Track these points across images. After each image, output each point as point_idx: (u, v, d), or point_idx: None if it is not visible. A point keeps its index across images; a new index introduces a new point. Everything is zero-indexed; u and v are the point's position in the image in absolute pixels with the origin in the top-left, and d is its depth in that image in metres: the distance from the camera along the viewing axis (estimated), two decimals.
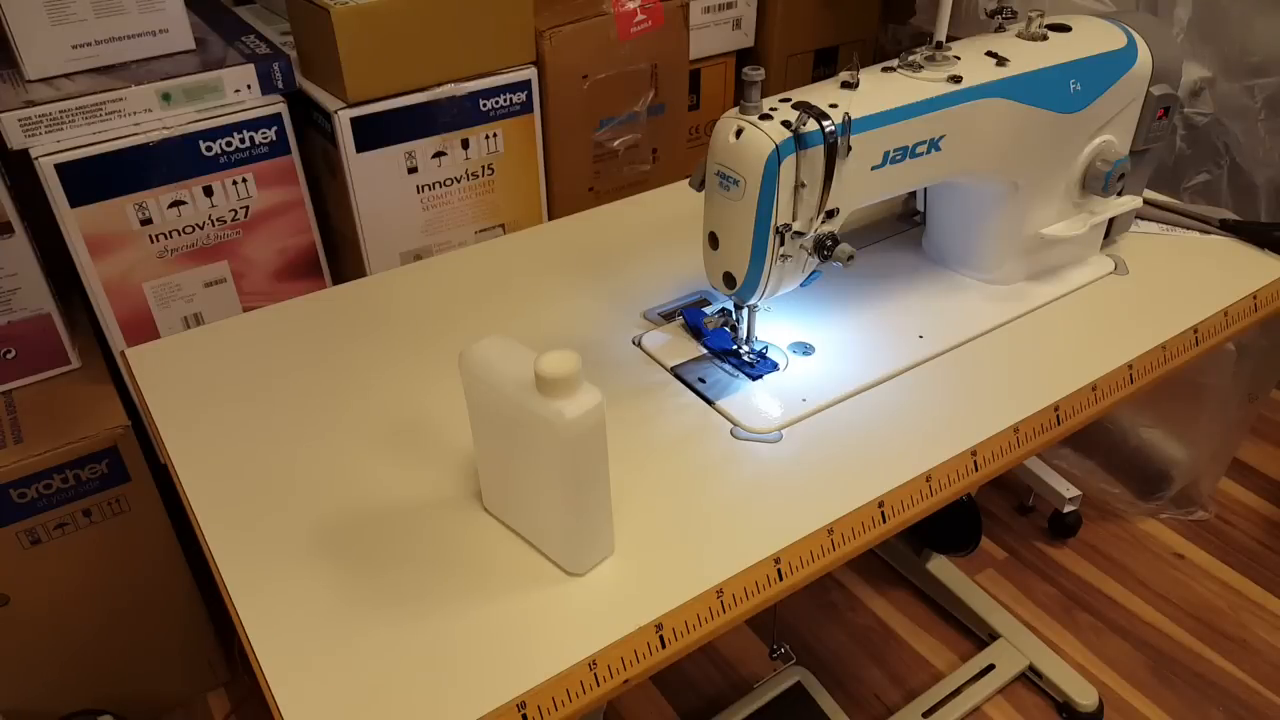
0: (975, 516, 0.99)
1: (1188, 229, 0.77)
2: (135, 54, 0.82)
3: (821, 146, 0.53)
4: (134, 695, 0.94)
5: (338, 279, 0.97)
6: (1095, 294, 0.68)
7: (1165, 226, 0.77)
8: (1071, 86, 0.61)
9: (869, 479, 0.52)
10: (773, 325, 0.64)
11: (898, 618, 1.06)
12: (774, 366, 0.61)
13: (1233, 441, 1.12)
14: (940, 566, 1.07)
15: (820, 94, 0.55)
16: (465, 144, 0.93)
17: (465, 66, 0.89)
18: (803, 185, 0.54)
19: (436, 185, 0.93)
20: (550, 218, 1.03)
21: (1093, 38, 0.64)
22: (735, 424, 0.57)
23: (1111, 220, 0.71)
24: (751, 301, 0.58)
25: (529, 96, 0.94)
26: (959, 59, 0.59)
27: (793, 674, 0.95)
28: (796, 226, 0.55)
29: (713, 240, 0.58)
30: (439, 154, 0.92)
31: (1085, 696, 0.95)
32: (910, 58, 0.59)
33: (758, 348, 0.62)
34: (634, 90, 1.02)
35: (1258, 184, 0.94)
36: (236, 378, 0.61)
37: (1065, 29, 0.64)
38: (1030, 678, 0.99)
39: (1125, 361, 0.61)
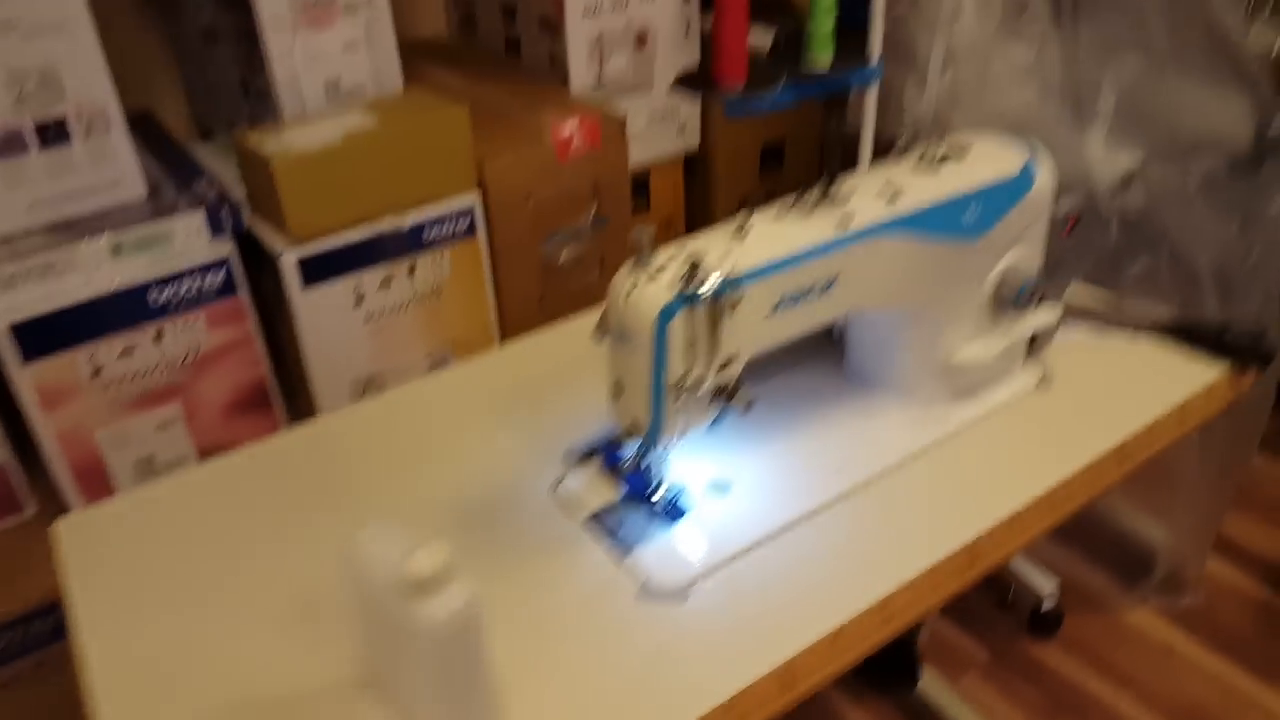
0: (912, 656, 0.95)
1: (1120, 328, 0.76)
2: (88, 207, 0.85)
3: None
4: None
5: (292, 407, 0.98)
6: (1017, 413, 0.67)
7: (1097, 325, 0.77)
8: (966, 216, 0.62)
9: (776, 642, 0.51)
10: (690, 461, 0.64)
11: None
12: (686, 512, 0.60)
13: (1213, 520, 1.09)
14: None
15: (714, 242, 0.56)
16: (411, 270, 0.95)
17: (408, 199, 0.92)
18: (696, 339, 0.55)
19: (385, 313, 0.95)
20: (502, 332, 1.05)
21: (988, 162, 0.64)
22: (645, 579, 0.56)
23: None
24: (658, 449, 0.58)
25: (473, 221, 0.97)
26: (852, 196, 0.60)
27: None
28: (693, 377, 0.55)
29: (616, 388, 0.58)
30: (386, 282, 0.94)
31: None
32: (805, 198, 0.60)
33: (670, 493, 0.61)
34: (576, 206, 1.04)
35: (1199, 267, 0.93)
36: (160, 551, 0.61)
37: (963, 153, 0.65)
38: None
39: (1045, 489, 0.60)
